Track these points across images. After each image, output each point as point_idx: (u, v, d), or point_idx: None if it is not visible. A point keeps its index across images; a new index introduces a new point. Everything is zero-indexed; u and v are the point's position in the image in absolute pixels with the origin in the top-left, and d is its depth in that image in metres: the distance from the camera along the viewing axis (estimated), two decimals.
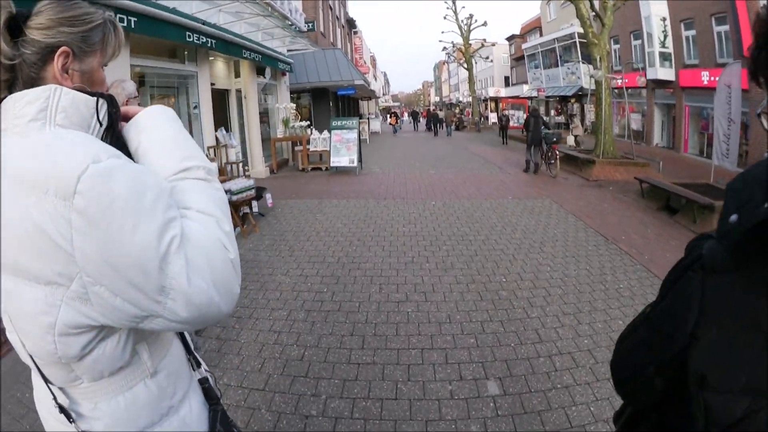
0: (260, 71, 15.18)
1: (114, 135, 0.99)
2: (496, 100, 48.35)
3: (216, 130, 10.68)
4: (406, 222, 7.69)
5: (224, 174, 9.75)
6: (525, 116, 22.45)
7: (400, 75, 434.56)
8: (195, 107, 10.41)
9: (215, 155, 10.09)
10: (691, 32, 19.19)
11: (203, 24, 9.20)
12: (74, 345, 0.88)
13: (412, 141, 27.44)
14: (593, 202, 9.34)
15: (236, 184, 7.68)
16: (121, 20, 6.81)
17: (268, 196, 8.94)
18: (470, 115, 42.21)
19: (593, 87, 27.52)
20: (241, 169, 10.58)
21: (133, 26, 6.97)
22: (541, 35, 37.30)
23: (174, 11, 8.22)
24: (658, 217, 8.36)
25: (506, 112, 28.36)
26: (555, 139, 13.23)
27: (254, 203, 7.90)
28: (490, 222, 7.63)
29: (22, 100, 0.88)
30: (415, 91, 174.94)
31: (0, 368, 3.25)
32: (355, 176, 12.82)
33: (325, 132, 14.02)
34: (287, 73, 16.44)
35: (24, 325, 0.90)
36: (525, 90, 39.52)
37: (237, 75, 13.83)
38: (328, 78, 20.97)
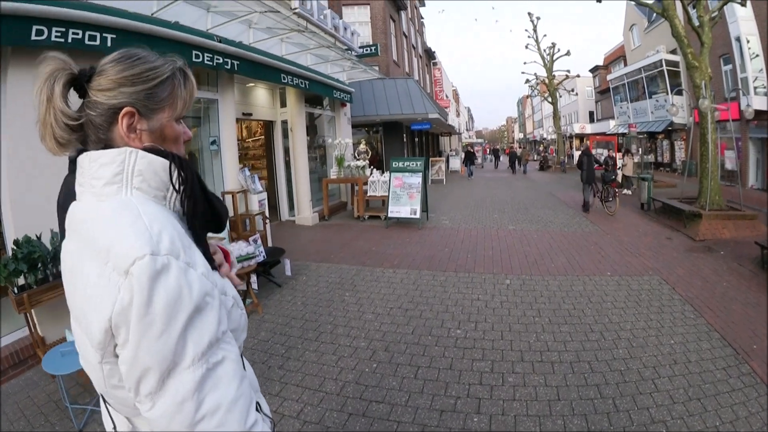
0: (316, 101, 13.42)
1: (193, 198, 1.02)
2: (581, 137, 45.16)
3: (240, 170, 8.75)
4: (464, 319, 5.18)
5: (237, 229, 7.69)
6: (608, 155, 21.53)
7: (485, 110, 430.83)
8: (213, 143, 8.59)
9: (232, 204, 8.11)
10: None
11: (219, 41, 7.37)
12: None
13: (491, 182, 24.63)
14: (709, 279, 6.61)
15: (235, 251, 5.62)
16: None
17: (287, 262, 6.82)
18: (554, 153, 39.09)
19: (684, 121, 25.32)
20: (260, 221, 8.47)
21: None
22: (625, 65, 34.65)
23: (173, 26, 6.48)
24: None
25: (596, 152, 24.96)
26: (613, 177, 13.20)
27: (254, 279, 5.74)
28: (584, 323, 4.98)
29: (98, 162, 0.96)
30: (498, 127, 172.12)
31: None
32: (417, 230, 10.43)
33: (387, 174, 11.83)
34: (347, 104, 14.53)
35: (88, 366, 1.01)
36: (611, 126, 36.64)
37: (283, 104, 12.10)
38: (399, 111, 19.01)
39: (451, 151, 44.45)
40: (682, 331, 4.70)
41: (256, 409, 1.04)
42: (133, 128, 0.99)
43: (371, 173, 12.40)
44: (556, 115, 34.31)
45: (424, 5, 39.58)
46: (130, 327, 0.84)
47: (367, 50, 14.10)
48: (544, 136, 58.87)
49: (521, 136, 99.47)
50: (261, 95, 11.73)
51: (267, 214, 8.76)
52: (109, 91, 0.97)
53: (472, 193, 18.50)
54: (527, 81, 37.18)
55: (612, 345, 4.42)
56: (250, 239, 6.19)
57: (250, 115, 11.07)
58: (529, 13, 33.18)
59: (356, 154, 13.61)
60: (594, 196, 13.50)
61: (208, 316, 0.91)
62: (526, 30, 34.03)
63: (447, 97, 49.09)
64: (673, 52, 26.44)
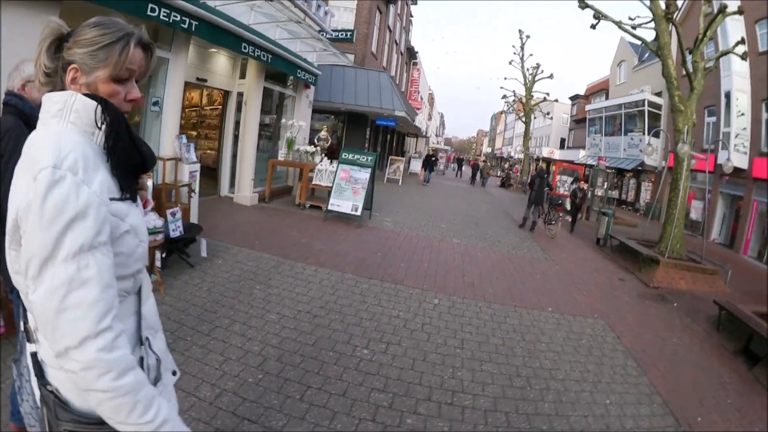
0: (279, 78, 12.85)
1: (113, 137, 1.23)
2: (548, 161, 45.94)
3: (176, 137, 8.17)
4: (376, 338, 4.77)
5: (161, 199, 7.12)
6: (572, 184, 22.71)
7: (457, 119, 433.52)
8: (156, 104, 7.99)
9: (161, 172, 7.55)
10: None
11: None
12: None
13: (448, 190, 24.62)
14: (660, 333, 6.48)
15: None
16: None
17: (203, 242, 6.36)
18: (518, 173, 39.56)
19: (656, 164, 25.88)
20: (186, 194, 7.89)
21: None
22: (606, 98, 35.68)
23: None
24: (737, 370, 5.57)
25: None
26: (560, 202, 14.19)
27: (159, 256, 5.24)
28: (512, 364, 4.63)
29: (51, 100, 1.21)
30: (468, 138, 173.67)
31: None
32: (356, 228, 10.07)
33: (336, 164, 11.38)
34: (311, 86, 14.01)
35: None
36: (581, 155, 37.59)
37: (243, 76, 11.50)
38: (365, 103, 18.61)
39: (415, 153, 44.29)
40: (621, 390, 4.41)
41: (141, 344, 1.34)
42: (76, 81, 1.23)
43: (321, 161, 11.95)
44: (527, 135, 34.61)
45: (416, 3, 39.17)
46: (28, 220, 1.07)
47: (342, 35, 13.56)
48: (512, 154, 59.52)
49: (489, 150, 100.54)
50: (221, 62, 11.10)
51: (195, 187, 8.17)
52: (68, 50, 1.22)
53: (425, 199, 18.31)
54: (504, 96, 37.30)
55: (538, 396, 4.05)
56: (168, 212, 5.70)
57: (205, 81, 10.43)
58: (519, 30, 33.27)
59: (316, 140, 13.11)
60: (539, 216, 14.11)
61: (87, 223, 1.09)
62: (513, 46, 34.18)
63: (422, 99, 48.93)
64: (658, 94, 27.00)
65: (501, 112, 64.20)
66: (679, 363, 5.45)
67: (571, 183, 21.41)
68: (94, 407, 1.13)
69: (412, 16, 39.55)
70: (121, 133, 1.23)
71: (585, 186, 13.97)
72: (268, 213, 10.60)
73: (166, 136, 8.11)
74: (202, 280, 5.62)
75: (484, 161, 43.06)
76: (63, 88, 1.23)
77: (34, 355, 1.27)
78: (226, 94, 11.72)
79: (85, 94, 1.20)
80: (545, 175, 14.44)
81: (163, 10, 6.73)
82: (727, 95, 19.12)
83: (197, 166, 8.33)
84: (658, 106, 26.85)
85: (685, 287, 9.46)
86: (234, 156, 11.74)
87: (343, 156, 10.68)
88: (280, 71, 11.77)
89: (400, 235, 10.00)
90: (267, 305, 5.16)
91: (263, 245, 7.56)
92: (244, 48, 9.25)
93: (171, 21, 6.96)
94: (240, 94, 11.58)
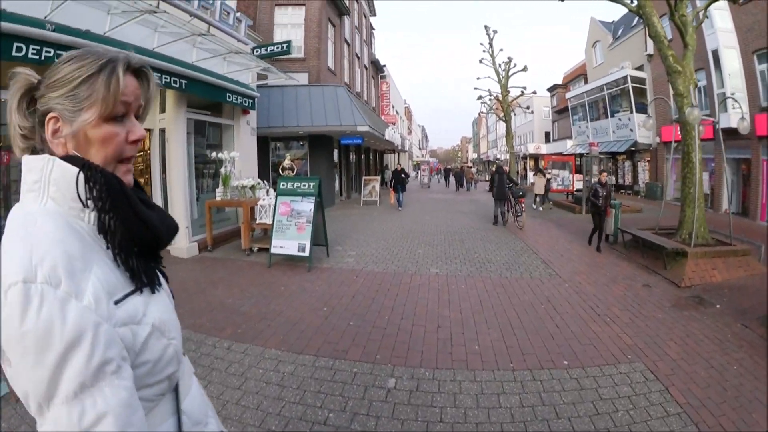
0: (212, 107, 11.28)
1: (109, 213, 0.99)
2: (536, 157, 44.76)
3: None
4: None
5: None
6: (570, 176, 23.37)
7: (440, 130, 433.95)
8: None
9: None
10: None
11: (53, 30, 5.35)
12: None
13: (430, 205, 22.67)
14: (713, 361, 4.82)
15: None
16: None
17: None
18: (508, 173, 38.35)
19: (650, 141, 24.69)
20: None
21: None
22: (586, 83, 34.90)
23: None
24: None
25: (549, 171, 23.48)
26: (521, 193, 14.57)
27: None
28: None
29: (25, 167, 0.98)
30: (453, 146, 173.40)
31: None
32: (305, 273, 8.29)
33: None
34: (250, 111, 12.38)
35: None
36: (569, 146, 36.74)
37: (163, 109, 9.91)
38: (323, 122, 17.06)
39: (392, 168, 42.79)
40: None
41: None
42: (58, 134, 1.00)
43: (267, 194, 10.25)
44: (509, 134, 33.08)
45: (374, 14, 37.93)
46: (9, 347, 0.84)
47: (277, 48, 11.97)
48: (498, 156, 58.19)
49: (475, 155, 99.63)
50: None
51: None
52: (42, 97, 1.00)
53: (403, 219, 16.48)
54: (480, 97, 35.85)
55: None
56: None
57: None
58: (485, 26, 31.87)
59: (281, 170, 11.46)
60: (508, 211, 15.03)
61: (83, 352, 0.84)
62: (482, 44, 32.78)
63: (396, 112, 47.65)
64: (639, 68, 26.14)
65: (480, 114, 62.95)
66: (757, 407, 3.79)
67: (585, 179, 19.18)
68: None
69: (373, 28, 38.30)
70: (118, 206, 0.99)
71: (606, 178, 11.16)
72: (204, 265, 8.91)
73: None
74: None
75: (468, 167, 42.13)
76: (41, 150, 1.01)
77: None
78: (150, 132, 10.13)
79: (65, 157, 0.98)
80: (503, 172, 15.06)
81: (32, 47, 5.37)
82: (715, 53, 18.32)
83: None
84: (642, 81, 25.93)
85: (720, 278, 8.04)
86: (166, 201, 10.11)
87: (280, 186, 8.92)
88: (203, 98, 10.19)
89: (361, 275, 8.19)
90: None
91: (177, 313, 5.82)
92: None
93: (43, 58, 5.56)
94: (163, 131, 9.98)
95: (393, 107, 42.70)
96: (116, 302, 0.94)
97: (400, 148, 36.06)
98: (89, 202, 0.97)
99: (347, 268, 8.71)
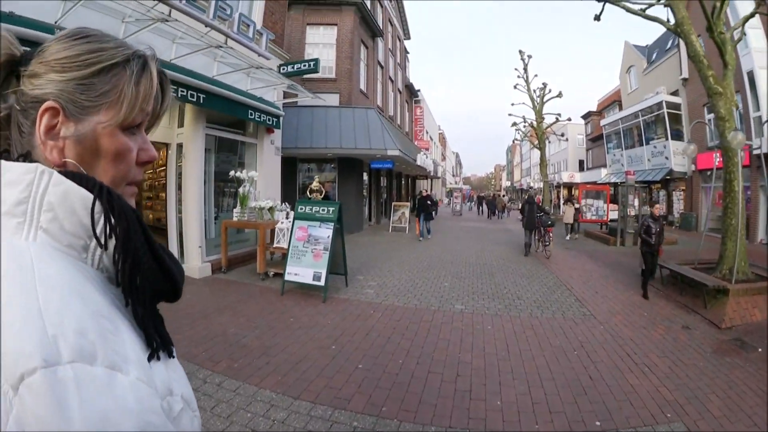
0: (236, 124, 10.98)
1: (131, 256, 0.69)
2: (570, 186, 43.64)
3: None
4: None
5: None
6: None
7: (478, 157, 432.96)
8: None
9: None
10: None
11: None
12: None
13: (462, 233, 21.88)
14: (757, 419, 4.16)
15: None
16: None
17: None
18: (540, 202, 37.41)
19: (685, 169, 23.55)
20: None
21: None
22: (620, 110, 33.91)
23: None
24: None
25: (584, 201, 22.32)
26: (550, 223, 14.62)
27: None
28: None
29: (4, 177, 0.64)
30: (487, 174, 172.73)
31: None
32: (319, 304, 7.69)
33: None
34: (275, 130, 12.02)
35: None
36: (603, 175, 35.66)
37: (181, 124, 9.61)
38: (353, 145, 16.61)
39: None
40: None
41: None
42: (55, 133, 0.68)
43: (287, 216, 9.75)
44: (543, 162, 32.29)
45: (408, 38, 37.90)
46: None
47: (305, 66, 11.64)
48: (531, 184, 57.21)
49: (509, 183, 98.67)
50: None
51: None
52: (36, 77, 0.68)
53: (431, 248, 15.74)
54: (514, 124, 35.21)
55: None
56: None
57: None
58: (520, 51, 31.48)
59: (308, 193, 11.03)
60: (537, 240, 15.04)
61: None
62: (516, 69, 32.33)
63: (431, 138, 47.29)
64: (675, 93, 25.27)
65: (515, 144, 62.19)
66: None
67: (640, 213, 17.75)
68: None
69: (408, 52, 38.21)
70: (139, 249, 0.69)
71: (659, 211, 9.73)
72: (214, 288, 8.45)
73: None
74: None
75: (501, 195, 41.61)
76: (24, 151, 0.68)
77: None
78: (166, 147, 9.86)
79: (65, 172, 0.66)
80: (533, 201, 15.18)
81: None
82: (750, 75, 17.47)
83: None
84: (677, 106, 25.06)
85: (760, 317, 7.49)
86: (179, 221, 9.74)
87: (297, 209, 8.41)
88: (237, 116, 9.88)
89: (379, 309, 7.53)
90: None
91: (174, 340, 5.29)
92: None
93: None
94: (180, 146, 9.67)
95: (427, 132, 42.36)
96: None
97: (432, 174, 35.46)
98: (106, 241, 0.68)
99: (365, 300, 8.07)
